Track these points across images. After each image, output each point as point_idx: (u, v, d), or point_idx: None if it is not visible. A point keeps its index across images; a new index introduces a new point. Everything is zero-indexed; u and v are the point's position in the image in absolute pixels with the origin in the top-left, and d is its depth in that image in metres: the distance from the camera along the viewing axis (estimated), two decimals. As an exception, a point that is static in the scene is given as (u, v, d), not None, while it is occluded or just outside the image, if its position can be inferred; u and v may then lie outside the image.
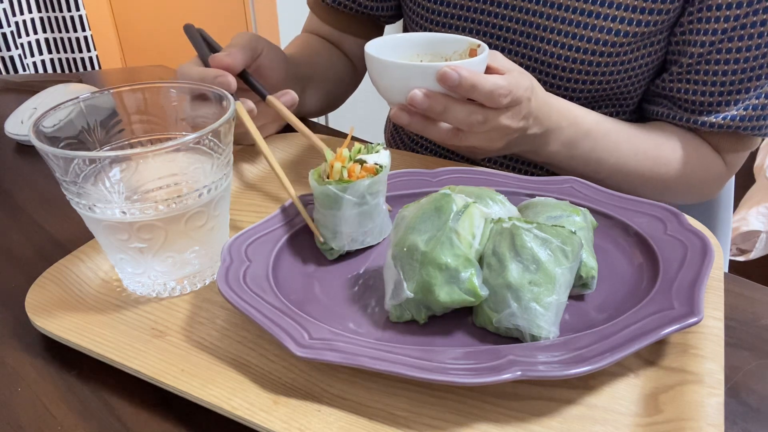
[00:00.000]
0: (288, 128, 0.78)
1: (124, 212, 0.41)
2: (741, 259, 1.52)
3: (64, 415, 0.38)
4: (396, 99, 0.53)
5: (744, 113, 0.60)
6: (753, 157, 1.61)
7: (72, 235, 0.56)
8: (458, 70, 0.49)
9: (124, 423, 0.37)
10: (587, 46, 0.62)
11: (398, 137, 0.87)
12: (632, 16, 0.60)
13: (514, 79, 0.52)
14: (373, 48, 0.55)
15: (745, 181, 1.59)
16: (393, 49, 0.59)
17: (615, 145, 0.62)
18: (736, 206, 1.57)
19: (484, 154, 0.59)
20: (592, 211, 0.49)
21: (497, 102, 0.51)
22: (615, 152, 0.62)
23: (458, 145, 0.55)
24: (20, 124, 0.76)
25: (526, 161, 0.72)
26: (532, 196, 0.52)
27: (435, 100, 0.51)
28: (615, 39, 0.61)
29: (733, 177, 0.81)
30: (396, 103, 0.54)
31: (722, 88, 0.60)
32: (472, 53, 0.57)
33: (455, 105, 0.51)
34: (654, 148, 0.63)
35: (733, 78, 0.60)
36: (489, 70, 0.53)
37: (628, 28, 0.60)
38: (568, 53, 0.62)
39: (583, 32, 0.61)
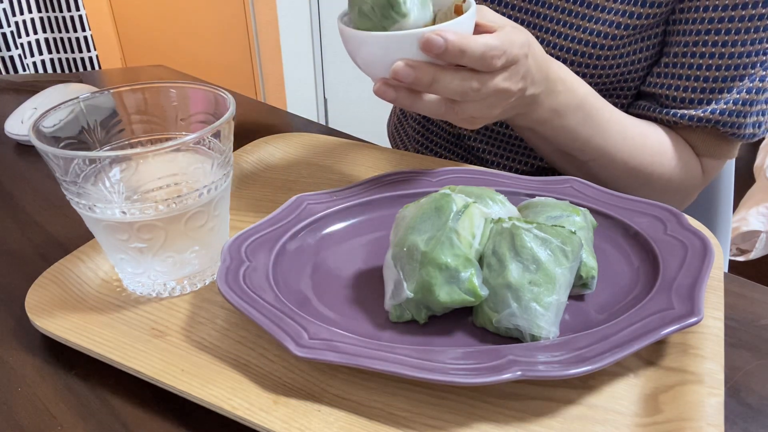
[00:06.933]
0: (286, 128, 0.78)
1: (124, 212, 0.41)
2: (741, 259, 1.52)
3: (64, 415, 0.38)
4: (378, 73, 0.48)
5: (725, 107, 0.60)
6: (753, 157, 1.61)
7: (72, 235, 0.56)
8: (443, 34, 0.44)
9: (124, 423, 0.37)
10: (589, 38, 0.61)
11: (401, 135, 0.87)
12: (633, 9, 0.60)
13: (508, 36, 0.47)
14: (346, 19, 0.49)
15: (745, 181, 1.59)
16: None
17: (606, 124, 0.59)
18: (736, 206, 1.57)
19: (483, 122, 0.54)
20: (592, 211, 0.49)
21: (491, 65, 0.46)
22: (604, 132, 0.60)
23: (454, 118, 0.51)
24: (20, 124, 0.76)
25: (526, 161, 0.72)
26: (532, 196, 0.52)
27: (421, 70, 0.45)
28: (616, 32, 0.61)
29: (733, 177, 0.81)
30: (379, 78, 0.48)
31: (705, 84, 0.60)
32: (458, 10, 0.50)
33: (444, 74, 0.46)
34: (640, 136, 0.62)
35: (717, 74, 0.59)
36: (478, 28, 0.48)
37: (629, 21, 0.60)
38: (570, 45, 0.62)
39: (587, 24, 0.61)
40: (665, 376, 0.37)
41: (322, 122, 2.56)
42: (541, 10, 0.63)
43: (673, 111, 0.62)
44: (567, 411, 0.35)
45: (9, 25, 1.34)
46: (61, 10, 1.44)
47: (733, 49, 0.58)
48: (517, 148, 0.72)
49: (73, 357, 0.41)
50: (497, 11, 0.65)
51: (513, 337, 0.39)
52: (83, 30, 1.47)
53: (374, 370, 0.34)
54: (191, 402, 0.37)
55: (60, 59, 1.50)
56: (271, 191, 0.59)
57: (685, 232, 0.45)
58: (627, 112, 0.67)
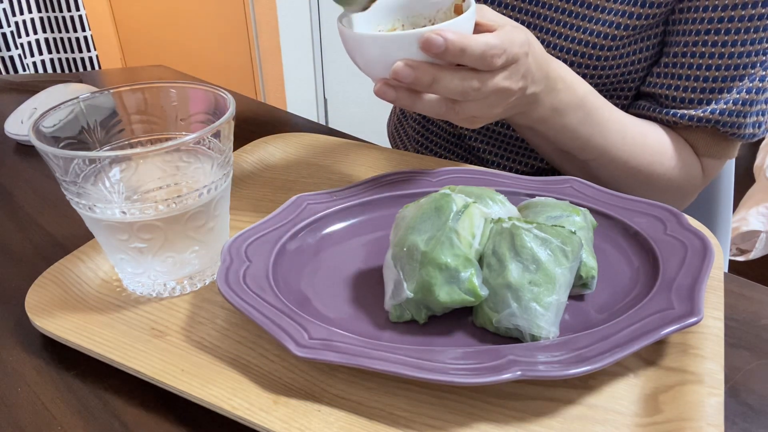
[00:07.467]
0: (286, 128, 0.78)
1: (124, 212, 0.41)
2: (741, 259, 1.52)
3: (64, 415, 0.38)
4: (378, 74, 0.48)
5: (725, 107, 0.60)
6: (753, 157, 1.61)
7: (72, 235, 0.56)
8: (443, 33, 0.44)
9: (124, 423, 0.37)
10: (589, 38, 0.61)
11: (401, 135, 0.87)
12: (632, 9, 0.60)
13: (508, 35, 0.47)
14: (346, 20, 0.50)
15: (745, 181, 1.59)
16: (368, 17, 0.52)
17: (606, 123, 0.59)
18: (736, 206, 1.57)
19: (484, 122, 0.54)
20: (592, 211, 0.49)
21: (491, 64, 0.46)
22: (604, 131, 0.59)
23: (454, 118, 0.51)
24: (20, 124, 0.76)
25: (526, 162, 0.72)
26: (532, 196, 0.52)
27: (421, 71, 0.45)
28: (615, 32, 0.61)
29: (733, 177, 0.81)
30: (379, 78, 0.48)
31: (705, 84, 0.60)
32: (458, 10, 0.51)
33: (445, 74, 0.46)
34: (640, 135, 0.62)
35: (716, 74, 0.59)
36: (478, 27, 0.48)
37: (628, 21, 0.60)
38: (570, 45, 0.62)
39: (587, 25, 0.61)
40: (665, 376, 0.37)
41: (322, 122, 2.56)
42: (540, 10, 0.63)
43: (672, 111, 0.62)
44: (567, 411, 0.35)
45: (9, 25, 1.34)
46: (61, 10, 1.44)
47: (733, 49, 0.58)
48: (517, 149, 0.72)
49: (73, 357, 0.41)
50: (497, 12, 0.65)
51: (513, 337, 0.39)
52: (83, 30, 1.47)
53: (374, 370, 0.34)
54: (191, 402, 0.37)
55: (60, 59, 1.50)
56: (271, 191, 0.59)
57: (685, 232, 0.45)
58: (627, 112, 0.67)
